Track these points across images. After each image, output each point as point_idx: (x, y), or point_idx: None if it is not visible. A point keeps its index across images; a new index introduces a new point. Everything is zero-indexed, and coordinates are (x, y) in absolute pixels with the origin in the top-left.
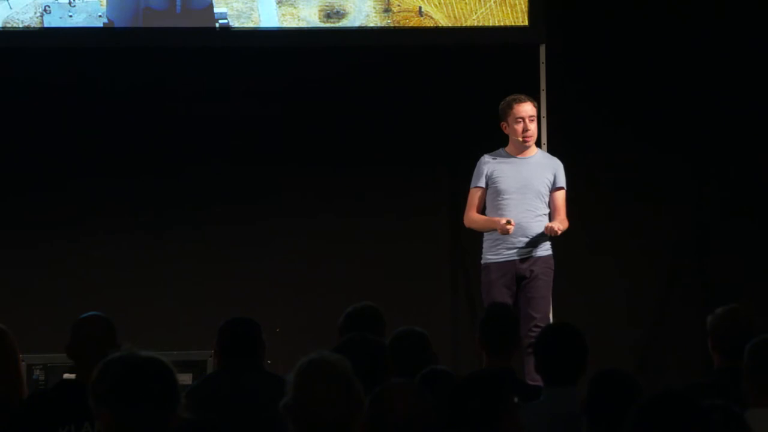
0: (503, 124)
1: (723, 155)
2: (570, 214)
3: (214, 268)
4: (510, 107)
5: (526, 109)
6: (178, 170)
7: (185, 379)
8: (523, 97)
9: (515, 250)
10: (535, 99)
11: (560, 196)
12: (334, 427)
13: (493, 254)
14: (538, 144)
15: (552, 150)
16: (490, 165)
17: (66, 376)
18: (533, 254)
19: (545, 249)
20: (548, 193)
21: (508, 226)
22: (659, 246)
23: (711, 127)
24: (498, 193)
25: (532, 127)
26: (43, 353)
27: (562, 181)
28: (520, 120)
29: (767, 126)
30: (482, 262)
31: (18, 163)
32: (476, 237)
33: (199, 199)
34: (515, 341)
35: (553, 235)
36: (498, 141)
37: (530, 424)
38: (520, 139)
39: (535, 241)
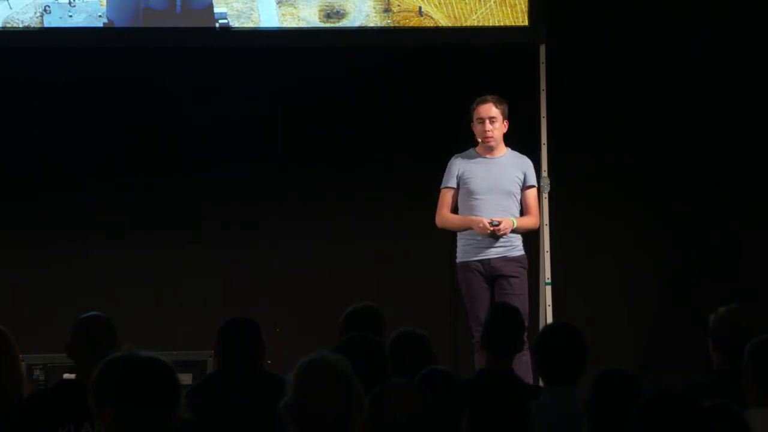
0: (472, 125)
1: (723, 155)
2: (570, 213)
3: (214, 268)
4: (473, 108)
5: (486, 109)
6: (178, 170)
7: (185, 379)
8: (488, 97)
9: (488, 250)
10: (534, 99)
11: (531, 194)
12: (334, 427)
13: (467, 254)
14: (537, 144)
15: (552, 150)
16: (460, 165)
17: (66, 376)
18: (506, 254)
19: (518, 249)
20: (519, 192)
21: (489, 227)
22: (659, 246)
23: (711, 127)
24: (469, 193)
25: (492, 127)
26: (43, 353)
27: (532, 180)
28: (481, 120)
29: (767, 126)
30: (457, 261)
31: (17, 163)
32: None
33: (199, 199)
34: (518, 344)
35: (499, 233)
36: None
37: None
38: (480, 139)
39: (508, 241)
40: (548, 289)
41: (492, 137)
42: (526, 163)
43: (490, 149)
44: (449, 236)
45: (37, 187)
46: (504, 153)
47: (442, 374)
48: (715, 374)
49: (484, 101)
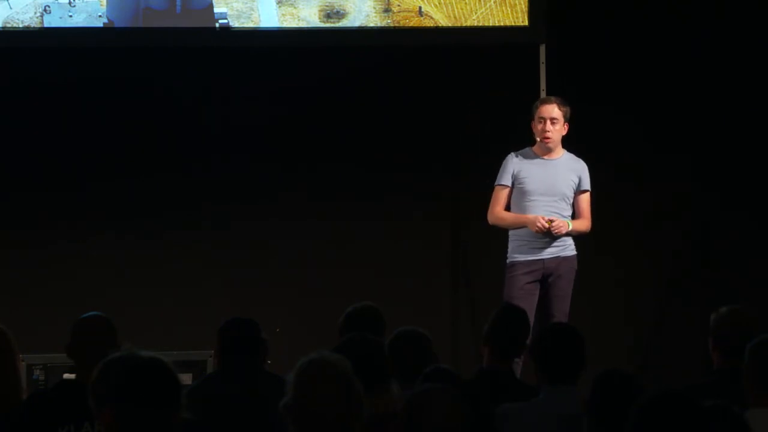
0: (532, 123)
1: (723, 155)
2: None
3: (214, 268)
4: (536, 107)
5: (549, 110)
6: (178, 170)
7: (185, 379)
8: (552, 98)
9: (543, 251)
10: (534, 99)
11: (584, 198)
12: (334, 427)
13: (519, 254)
14: None
15: None
16: (516, 164)
17: (66, 376)
18: (559, 254)
19: (570, 249)
20: (573, 195)
21: (544, 224)
22: (660, 246)
23: (711, 127)
24: (524, 193)
25: (552, 128)
26: (43, 353)
27: (586, 184)
28: (542, 120)
29: (767, 126)
30: (508, 261)
31: (17, 163)
32: (476, 236)
33: (199, 199)
34: (520, 347)
35: (557, 232)
36: (497, 140)
37: (530, 424)
38: (538, 138)
39: (561, 242)
40: None
41: (551, 138)
42: (581, 167)
43: (548, 150)
44: (450, 236)
45: (36, 187)
46: (561, 155)
47: (444, 373)
48: (715, 374)
49: (548, 101)
